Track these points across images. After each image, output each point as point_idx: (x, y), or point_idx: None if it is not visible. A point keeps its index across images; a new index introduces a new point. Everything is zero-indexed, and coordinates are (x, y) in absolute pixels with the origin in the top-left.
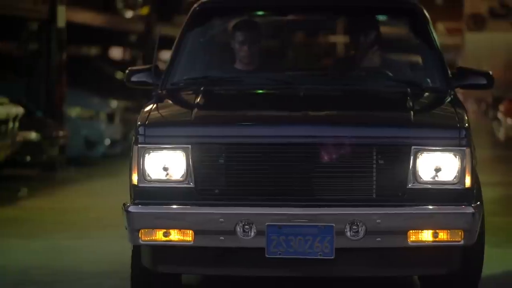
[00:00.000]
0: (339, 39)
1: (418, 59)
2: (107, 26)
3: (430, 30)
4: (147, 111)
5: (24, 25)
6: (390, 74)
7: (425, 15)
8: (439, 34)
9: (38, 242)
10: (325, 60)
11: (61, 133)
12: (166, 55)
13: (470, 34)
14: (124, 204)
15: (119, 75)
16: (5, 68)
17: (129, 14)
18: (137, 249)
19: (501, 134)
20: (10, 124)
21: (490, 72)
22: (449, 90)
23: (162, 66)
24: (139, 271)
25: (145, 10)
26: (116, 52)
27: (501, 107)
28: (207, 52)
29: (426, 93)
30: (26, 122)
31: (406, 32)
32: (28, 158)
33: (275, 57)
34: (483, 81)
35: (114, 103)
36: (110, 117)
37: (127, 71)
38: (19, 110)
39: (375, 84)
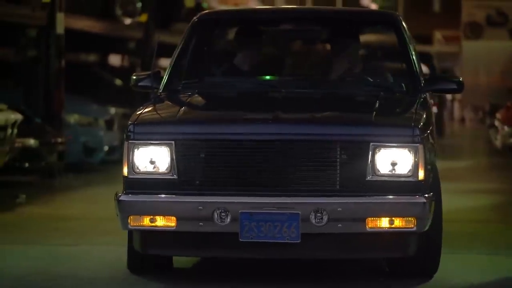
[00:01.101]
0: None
1: (395, 65)
2: (106, 33)
3: (407, 41)
4: (140, 111)
5: (22, 32)
6: (369, 79)
7: (403, 26)
8: (436, 42)
9: (36, 248)
10: (320, 66)
11: (59, 139)
12: (164, 62)
13: (467, 42)
14: (116, 194)
15: (117, 82)
16: (3, 75)
17: (127, 21)
18: (131, 236)
19: (498, 141)
20: (9, 131)
21: (461, 78)
22: (419, 94)
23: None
24: (134, 254)
25: (143, 17)
26: (114, 59)
27: (498, 115)
28: (204, 59)
29: (397, 97)
30: (24, 129)
31: (386, 41)
32: (27, 164)
33: (270, 63)
34: (453, 86)
35: (112, 110)
36: (109, 124)
37: (133, 76)
38: (17, 116)
39: (353, 88)
